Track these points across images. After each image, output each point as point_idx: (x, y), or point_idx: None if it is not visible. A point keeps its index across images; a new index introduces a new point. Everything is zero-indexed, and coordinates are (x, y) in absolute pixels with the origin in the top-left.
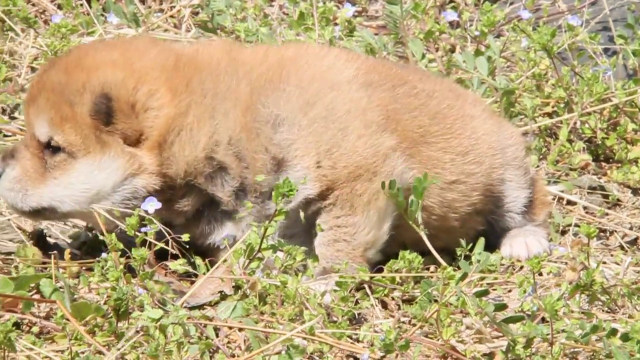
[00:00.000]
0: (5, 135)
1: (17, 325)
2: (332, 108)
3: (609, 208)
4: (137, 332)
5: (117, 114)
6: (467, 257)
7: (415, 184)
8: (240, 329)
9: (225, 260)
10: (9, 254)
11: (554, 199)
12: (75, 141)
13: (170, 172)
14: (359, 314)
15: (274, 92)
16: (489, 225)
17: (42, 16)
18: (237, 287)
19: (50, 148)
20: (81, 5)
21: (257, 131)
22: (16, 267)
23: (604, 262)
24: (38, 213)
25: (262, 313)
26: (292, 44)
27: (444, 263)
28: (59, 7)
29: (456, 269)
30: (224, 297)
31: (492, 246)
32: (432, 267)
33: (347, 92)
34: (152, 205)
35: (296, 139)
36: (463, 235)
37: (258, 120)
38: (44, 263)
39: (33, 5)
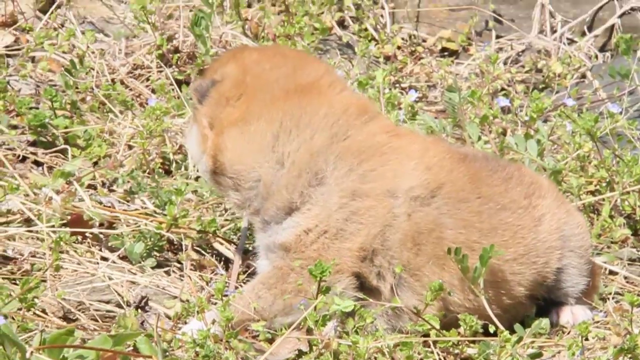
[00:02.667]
0: (104, 205)
1: None
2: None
3: None
4: None
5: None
6: (521, 323)
7: (482, 253)
8: None
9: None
10: (107, 317)
11: None
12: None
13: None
14: None
15: (346, 164)
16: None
17: (138, 99)
18: (312, 346)
19: None
20: (173, 89)
21: (303, 173)
22: (116, 328)
23: None
24: None
25: None
26: (416, 140)
27: (501, 327)
28: (153, 91)
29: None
30: (300, 355)
31: (539, 314)
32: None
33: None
34: None
35: (320, 206)
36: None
37: (312, 168)
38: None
39: (130, 89)
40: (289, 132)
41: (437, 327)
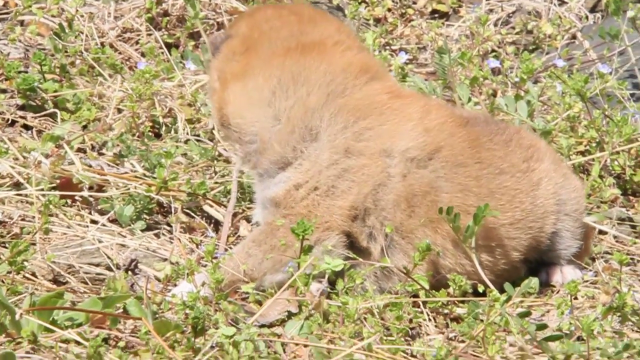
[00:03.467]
0: (93, 168)
1: (105, 340)
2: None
3: (637, 237)
4: (212, 347)
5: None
6: (511, 282)
7: (476, 212)
8: (306, 345)
9: (291, 285)
10: (97, 280)
11: None
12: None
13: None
14: (412, 328)
15: (341, 121)
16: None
17: (128, 63)
18: (301, 307)
19: None
20: (162, 53)
21: (296, 129)
22: (105, 290)
23: (633, 287)
24: None
25: (325, 331)
26: (417, 103)
27: (491, 286)
28: (143, 54)
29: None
30: (290, 316)
31: (529, 273)
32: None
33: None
34: None
35: (311, 161)
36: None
37: (307, 124)
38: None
39: (120, 53)
40: (285, 89)
41: (427, 287)
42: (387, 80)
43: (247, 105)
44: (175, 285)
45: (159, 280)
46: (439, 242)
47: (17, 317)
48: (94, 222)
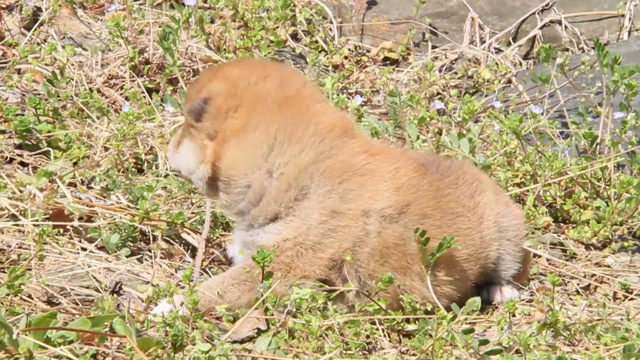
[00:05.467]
0: (83, 200)
1: (94, 356)
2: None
3: (567, 260)
4: None
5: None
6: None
7: (441, 242)
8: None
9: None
10: (86, 301)
11: None
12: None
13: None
14: (368, 343)
15: (329, 183)
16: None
17: (113, 106)
18: (270, 325)
19: None
20: (144, 97)
21: (291, 188)
22: (94, 310)
23: (564, 304)
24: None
25: (291, 346)
26: (388, 160)
27: (440, 306)
28: (127, 98)
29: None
30: (260, 332)
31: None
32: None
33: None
34: None
35: (301, 219)
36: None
37: (300, 183)
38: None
39: (106, 97)
40: (281, 145)
41: (384, 307)
42: (360, 136)
43: (243, 158)
44: (156, 305)
45: (142, 300)
46: (407, 282)
47: (14, 335)
48: (83, 249)
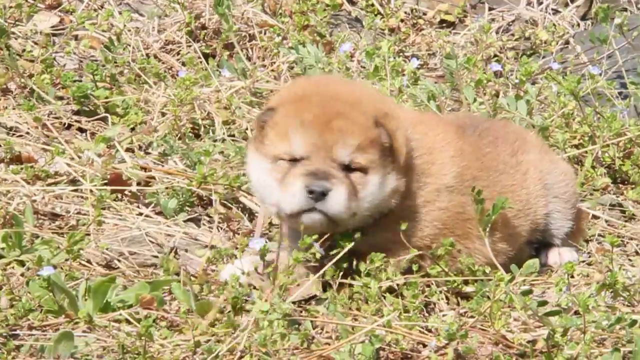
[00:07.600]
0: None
1: (154, 320)
2: None
3: (626, 221)
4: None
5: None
6: (517, 264)
7: (496, 201)
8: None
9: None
10: (145, 265)
11: None
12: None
13: None
14: (426, 305)
15: None
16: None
17: (170, 71)
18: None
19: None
20: (200, 62)
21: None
22: (160, 269)
23: (623, 265)
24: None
25: (350, 309)
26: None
27: (499, 267)
28: (183, 64)
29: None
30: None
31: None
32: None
33: None
34: None
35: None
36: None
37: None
38: (177, 274)
39: (163, 63)
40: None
41: (446, 269)
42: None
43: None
44: (215, 268)
45: (202, 263)
46: (469, 245)
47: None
48: (141, 214)
